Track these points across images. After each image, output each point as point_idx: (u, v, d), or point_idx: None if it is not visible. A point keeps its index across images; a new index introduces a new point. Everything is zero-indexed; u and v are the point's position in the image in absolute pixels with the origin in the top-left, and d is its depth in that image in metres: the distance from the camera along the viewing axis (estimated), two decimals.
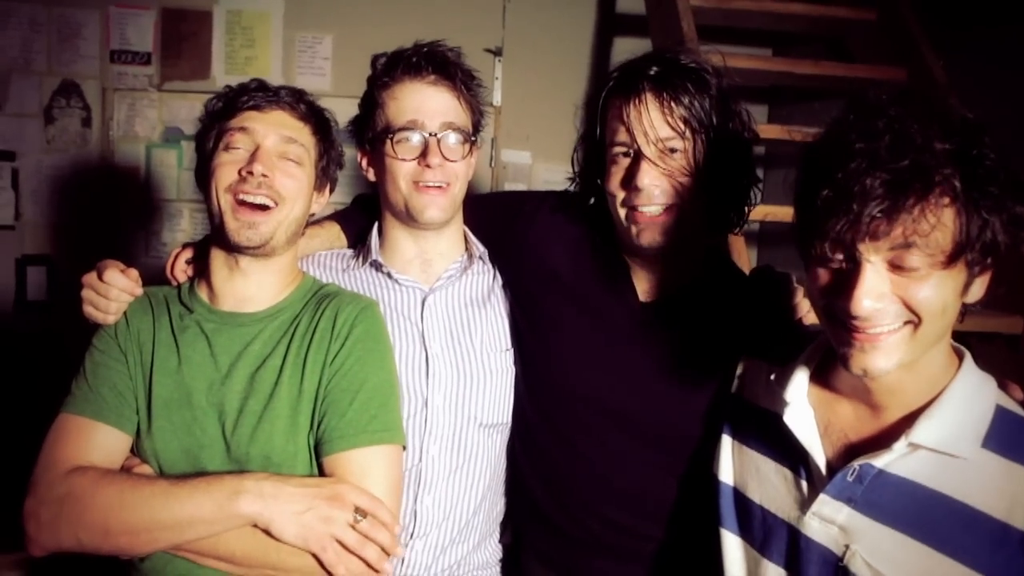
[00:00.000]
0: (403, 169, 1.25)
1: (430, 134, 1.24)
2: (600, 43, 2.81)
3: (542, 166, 2.82)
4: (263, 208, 1.13)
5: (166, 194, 2.62)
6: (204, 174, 1.17)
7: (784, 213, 1.70)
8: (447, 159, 1.24)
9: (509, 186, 2.79)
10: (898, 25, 2.27)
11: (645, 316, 1.26)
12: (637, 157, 1.15)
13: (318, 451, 1.11)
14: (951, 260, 0.80)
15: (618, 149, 1.18)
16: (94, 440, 1.10)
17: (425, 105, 1.24)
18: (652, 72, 1.16)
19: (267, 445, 1.09)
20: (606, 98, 1.21)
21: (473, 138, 1.30)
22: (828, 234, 0.82)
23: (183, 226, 2.63)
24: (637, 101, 1.15)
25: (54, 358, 2.03)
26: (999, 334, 1.83)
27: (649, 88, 1.15)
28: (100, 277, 1.17)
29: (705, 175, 1.16)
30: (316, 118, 1.22)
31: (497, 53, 2.73)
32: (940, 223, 0.79)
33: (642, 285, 1.27)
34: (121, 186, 2.59)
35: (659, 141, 1.14)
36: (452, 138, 1.25)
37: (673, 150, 1.15)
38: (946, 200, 0.79)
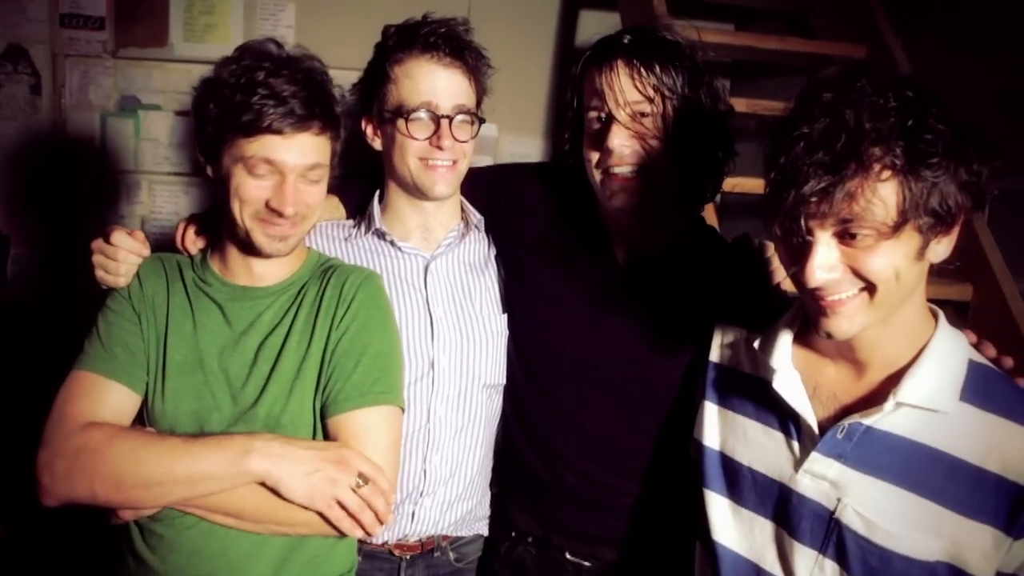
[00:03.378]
0: (414, 147, 1.30)
1: (443, 116, 1.29)
2: (566, 15, 2.79)
3: (508, 138, 2.80)
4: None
5: (123, 165, 2.53)
6: (218, 175, 1.16)
7: (751, 185, 1.75)
8: (457, 139, 1.31)
9: (475, 159, 2.77)
10: (858, 2, 2.30)
11: (624, 279, 1.32)
12: (609, 120, 1.22)
13: (324, 412, 1.15)
14: (896, 230, 0.85)
15: (592, 114, 1.25)
16: (106, 397, 1.12)
17: (439, 87, 1.30)
18: (625, 41, 1.23)
19: (273, 406, 1.14)
20: (583, 69, 1.28)
21: (480, 117, 1.36)
22: (779, 214, 0.89)
23: (141, 198, 2.56)
24: (608, 69, 1.22)
25: (6, 332, 1.98)
26: (949, 301, 1.90)
27: (620, 56, 1.22)
28: (107, 240, 1.19)
29: (676, 141, 1.22)
30: (333, 125, 1.18)
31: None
32: (877, 198, 0.84)
33: (621, 250, 1.34)
34: (75, 157, 2.49)
35: (628, 105, 1.20)
36: (463, 120, 1.32)
37: (643, 114, 1.21)
38: (886, 175, 0.83)
